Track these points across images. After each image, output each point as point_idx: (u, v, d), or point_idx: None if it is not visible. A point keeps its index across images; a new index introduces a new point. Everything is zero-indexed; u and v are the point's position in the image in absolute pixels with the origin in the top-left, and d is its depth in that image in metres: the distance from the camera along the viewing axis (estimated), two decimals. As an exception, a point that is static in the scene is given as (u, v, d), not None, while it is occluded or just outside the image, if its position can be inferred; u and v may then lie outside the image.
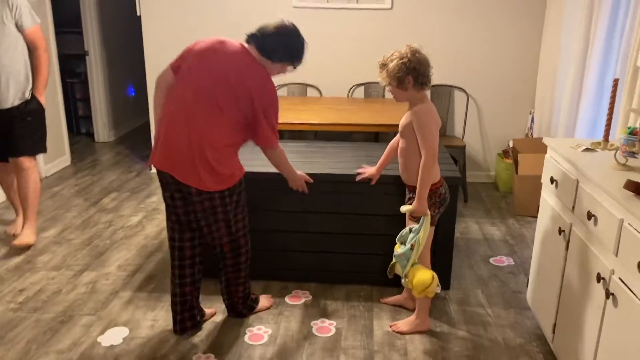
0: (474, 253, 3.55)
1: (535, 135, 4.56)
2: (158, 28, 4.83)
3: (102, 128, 6.28)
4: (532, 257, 2.75)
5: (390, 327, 2.71)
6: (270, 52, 2.40)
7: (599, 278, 1.91)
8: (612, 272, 1.84)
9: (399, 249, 2.52)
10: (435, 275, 2.46)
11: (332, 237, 3.01)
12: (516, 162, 4.26)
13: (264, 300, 2.88)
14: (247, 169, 2.59)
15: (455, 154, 4.44)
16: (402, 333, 2.66)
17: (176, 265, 2.58)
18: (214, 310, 2.82)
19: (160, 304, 2.90)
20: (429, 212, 2.45)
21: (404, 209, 2.51)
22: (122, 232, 3.83)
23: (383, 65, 2.41)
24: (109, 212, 4.18)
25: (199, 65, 2.36)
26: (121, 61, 6.54)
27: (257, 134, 2.43)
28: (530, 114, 4.73)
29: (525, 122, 4.80)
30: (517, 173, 4.18)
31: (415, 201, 2.45)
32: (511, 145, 4.58)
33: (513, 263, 3.41)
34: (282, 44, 2.42)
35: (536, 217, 4.30)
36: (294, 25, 2.47)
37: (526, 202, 4.14)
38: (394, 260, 2.55)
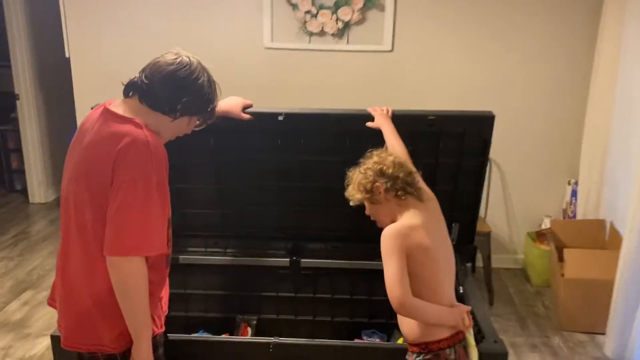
0: (515, 410, 2.47)
1: (579, 216, 3.52)
2: (89, 71, 3.78)
3: (38, 186, 5.14)
4: None
5: None
6: (166, 104, 1.58)
7: None
8: None
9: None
10: None
11: None
12: (560, 257, 3.21)
13: None
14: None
15: (478, 242, 3.37)
16: None
17: None
18: None
19: None
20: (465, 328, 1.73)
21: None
22: (17, 371, 2.71)
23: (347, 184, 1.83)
24: (9, 330, 3.06)
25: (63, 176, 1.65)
26: (61, 105, 5.40)
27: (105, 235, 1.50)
28: (569, 184, 3.68)
29: (562, 194, 3.76)
30: (562, 275, 3.11)
31: None
32: (547, 226, 3.55)
33: None
34: (177, 89, 1.59)
35: (589, 332, 3.25)
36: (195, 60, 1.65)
37: (575, 313, 3.07)
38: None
